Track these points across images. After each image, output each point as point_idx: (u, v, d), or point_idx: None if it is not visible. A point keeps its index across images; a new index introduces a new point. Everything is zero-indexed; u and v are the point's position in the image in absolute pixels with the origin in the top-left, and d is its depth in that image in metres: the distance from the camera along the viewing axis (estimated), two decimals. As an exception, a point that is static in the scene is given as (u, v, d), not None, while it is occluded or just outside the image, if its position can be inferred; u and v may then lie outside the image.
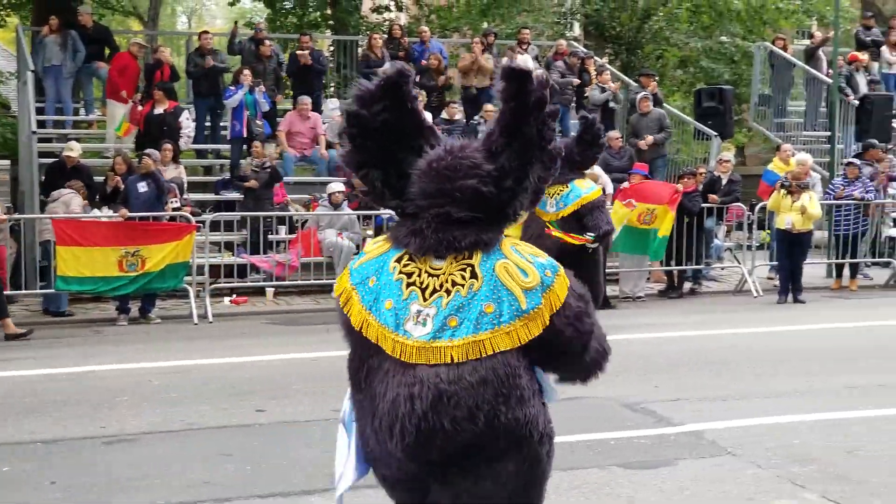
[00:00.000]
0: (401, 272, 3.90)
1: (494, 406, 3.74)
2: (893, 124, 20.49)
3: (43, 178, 15.50)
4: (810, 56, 22.57)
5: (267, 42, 19.13)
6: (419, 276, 3.88)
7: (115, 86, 17.97)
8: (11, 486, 6.38)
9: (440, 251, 3.89)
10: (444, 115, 18.68)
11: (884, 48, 22.75)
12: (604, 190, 14.61)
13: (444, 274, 3.88)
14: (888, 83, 22.07)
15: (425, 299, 3.85)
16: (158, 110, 16.59)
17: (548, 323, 3.84)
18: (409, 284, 3.88)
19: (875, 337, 12.34)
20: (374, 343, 3.88)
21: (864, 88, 21.09)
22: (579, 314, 3.90)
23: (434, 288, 3.85)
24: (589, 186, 12.70)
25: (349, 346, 4.12)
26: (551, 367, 4.10)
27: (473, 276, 3.87)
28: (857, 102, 20.29)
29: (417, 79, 19.48)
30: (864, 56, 22.12)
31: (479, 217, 3.93)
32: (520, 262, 3.94)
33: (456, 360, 3.75)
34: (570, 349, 3.95)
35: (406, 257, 3.93)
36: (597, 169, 14.73)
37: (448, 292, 3.84)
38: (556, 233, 11.99)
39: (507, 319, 3.83)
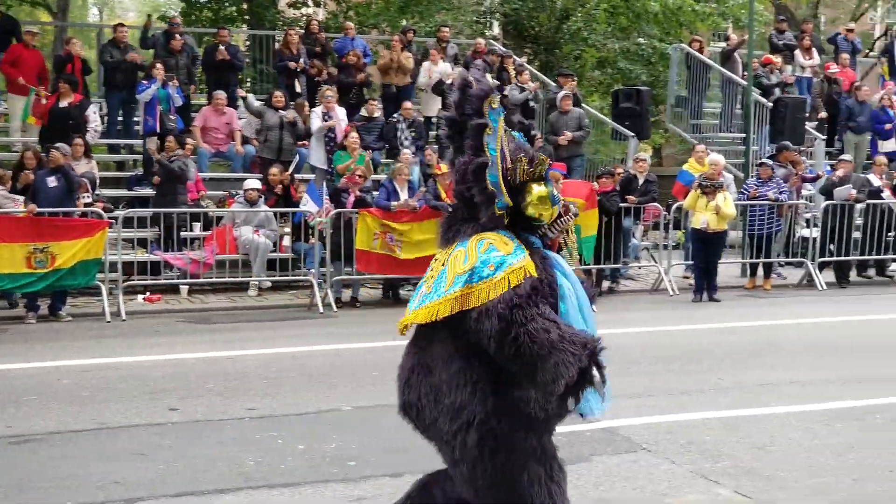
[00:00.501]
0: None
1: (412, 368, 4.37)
2: (807, 126, 20.81)
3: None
4: (726, 58, 22.88)
5: (178, 36, 18.90)
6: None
7: (12, 77, 17.76)
8: (-85, 488, 6.16)
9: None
10: (363, 112, 18.63)
11: (797, 52, 23.10)
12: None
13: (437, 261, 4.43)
14: (801, 86, 22.40)
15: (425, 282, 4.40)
16: (63, 103, 16.27)
17: (456, 309, 4.08)
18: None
19: (786, 335, 12.52)
20: None
21: (778, 91, 21.44)
22: (491, 312, 3.95)
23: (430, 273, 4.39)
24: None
25: None
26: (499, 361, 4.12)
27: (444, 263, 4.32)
28: (771, 105, 20.56)
29: (335, 74, 19.44)
30: (777, 59, 22.45)
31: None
32: (469, 251, 4.18)
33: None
34: (484, 343, 4.02)
35: None
36: None
37: (431, 278, 4.35)
38: None
39: (431, 298, 4.23)
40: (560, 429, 7.59)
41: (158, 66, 17.63)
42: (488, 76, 4.34)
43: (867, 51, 30.81)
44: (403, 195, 15.41)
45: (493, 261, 4.08)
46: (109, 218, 14.22)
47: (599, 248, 16.12)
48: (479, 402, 4.06)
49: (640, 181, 17.32)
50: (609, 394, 4.08)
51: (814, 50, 23.51)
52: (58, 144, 14.34)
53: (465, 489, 4.36)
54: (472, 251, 4.17)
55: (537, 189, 4.23)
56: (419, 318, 4.31)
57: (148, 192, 16.25)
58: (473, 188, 4.23)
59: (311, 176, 17.13)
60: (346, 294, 15.46)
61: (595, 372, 3.84)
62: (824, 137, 21.47)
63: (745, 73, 20.74)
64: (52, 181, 13.76)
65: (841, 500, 6.13)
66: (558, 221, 4.34)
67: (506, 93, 20.00)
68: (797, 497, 6.19)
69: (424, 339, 4.39)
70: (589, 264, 16.38)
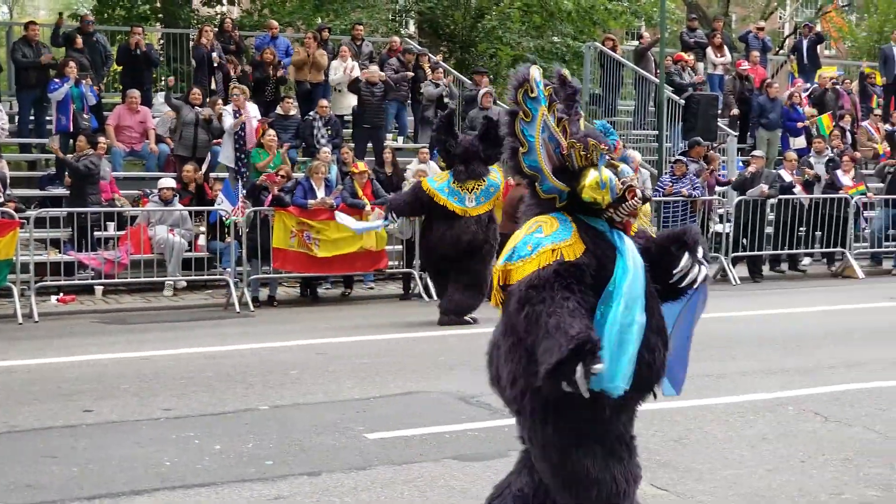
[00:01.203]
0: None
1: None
2: (719, 123, 21.09)
3: None
4: (640, 57, 23.14)
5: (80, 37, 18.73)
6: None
7: None
8: None
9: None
10: (278, 110, 18.54)
11: (708, 49, 23.40)
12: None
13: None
14: (713, 83, 22.67)
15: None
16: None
17: (501, 281, 4.46)
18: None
19: (700, 329, 12.56)
20: None
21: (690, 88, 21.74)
22: (514, 289, 4.27)
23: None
24: (497, 177, 12.91)
25: None
26: None
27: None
28: (683, 102, 20.80)
29: (250, 71, 19.35)
30: (689, 57, 22.72)
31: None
32: (521, 231, 4.46)
33: None
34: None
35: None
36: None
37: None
38: None
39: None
40: (479, 425, 7.68)
41: (72, 64, 17.42)
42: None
43: (777, 49, 31.25)
44: (320, 193, 15.37)
45: (532, 241, 4.26)
46: (21, 218, 14.00)
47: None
48: (531, 374, 4.16)
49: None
50: (627, 376, 4.12)
51: (725, 48, 23.82)
52: None
53: (535, 457, 4.58)
54: (523, 231, 4.39)
55: (592, 174, 4.28)
56: (494, 300, 4.59)
57: (61, 191, 16.01)
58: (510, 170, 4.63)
59: (226, 174, 17.01)
60: (264, 293, 15.32)
61: (578, 367, 3.83)
62: (736, 134, 21.77)
63: (658, 71, 20.99)
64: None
65: (755, 491, 6.18)
66: (624, 205, 4.37)
67: (421, 90, 20.11)
68: (712, 489, 6.23)
69: (501, 317, 4.60)
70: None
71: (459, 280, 12.74)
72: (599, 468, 4.33)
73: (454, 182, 12.63)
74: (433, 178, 13.26)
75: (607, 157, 4.37)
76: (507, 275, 4.36)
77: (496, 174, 12.94)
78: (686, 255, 4.39)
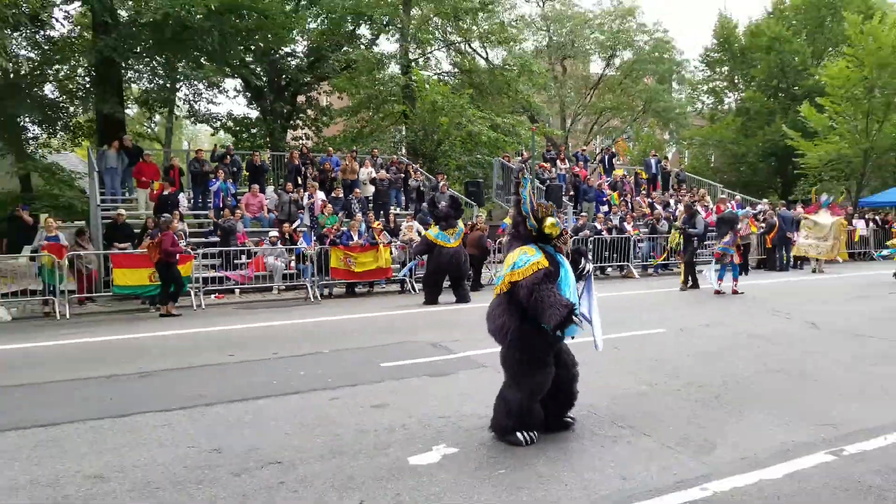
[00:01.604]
0: None
1: (490, 315, 5.01)
2: (564, 199, 21.26)
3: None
4: (522, 164, 23.25)
5: (230, 155, 18.75)
6: None
7: (138, 178, 17.36)
8: None
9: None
10: (332, 194, 18.51)
11: (557, 161, 23.55)
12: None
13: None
14: (561, 178, 22.80)
15: None
16: (166, 192, 16.18)
17: (509, 283, 4.82)
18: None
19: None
20: None
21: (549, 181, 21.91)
22: (520, 287, 4.70)
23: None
24: (460, 226, 13.48)
25: None
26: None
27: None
28: (545, 188, 20.96)
29: (317, 174, 19.28)
30: (547, 164, 22.92)
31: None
32: (514, 254, 4.90)
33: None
34: (522, 300, 4.71)
35: None
36: None
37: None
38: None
39: (500, 279, 4.96)
40: (442, 357, 7.69)
41: (221, 171, 17.46)
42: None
43: (592, 160, 31.54)
44: (356, 238, 15.39)
45: (524, 259, 4.77)
46: (194, 253, 13.92)
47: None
48: (512, 322, 4.79)
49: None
50: (576, 328, 4.74)
51: (566, 160, 23.99)
52: (164, 215, 14.11)
53: (504, 367, 5.00)
54: (515, 254, 4.87)
55: (549, 220, 4.89)
56: (499, 288, 4.96)
57: (216, 239, 15.88)
58: (517, 217, 5.04)
59: (305, 229, 17.00)
60: (326, 292, 15.22)
61: (573, 318, 4.50)
62: (572, 204, 21.92)
63: (532, 172, 21.15)
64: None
65: (589, 388, 6.19)
66: (561, 238, 4.99)
67: (409, 183, 20.13)
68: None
69: (497, 298, 4.98)
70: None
71: (457, 283, 13.34)
72: (541, 373, 4.76)
73: (442, 231, 13.08)
74: (431, 230, 13.40)
75: (554, 213, 5.02)
76: (512, 277, 4.80)
77: (460, 225, 13.43)
78: (583, 259, 5.13)
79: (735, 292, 13.48)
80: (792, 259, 20.18)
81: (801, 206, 22.44)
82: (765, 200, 24.89)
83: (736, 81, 37.22)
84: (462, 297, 13.23)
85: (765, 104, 33.82)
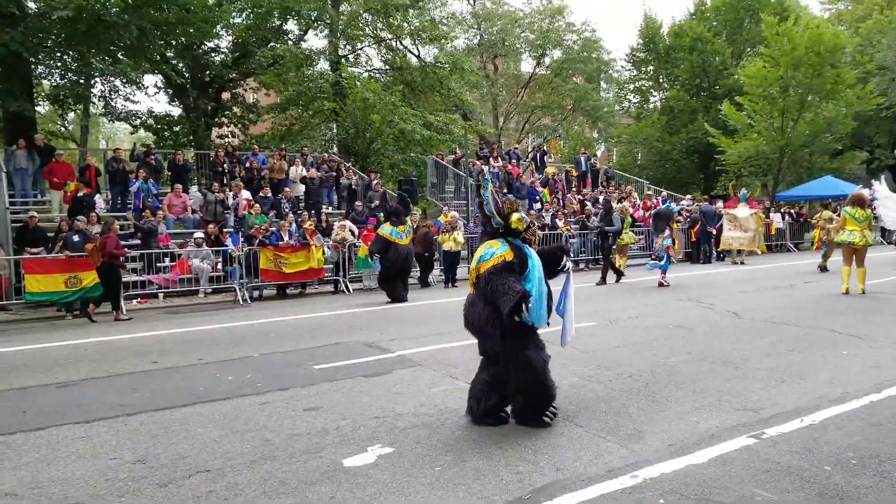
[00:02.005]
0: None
1: (468, 307, 5.10)
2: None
3: None
4: (455, 163, 23.35)
5: (152, 154, 18.20)
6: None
7: (51, 179, 16.67)
8: None
9: None
10: (260, 193, 18.20)
11: (490, 158, 23.79)
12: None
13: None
14: (494, 176, 23.04)
15: None
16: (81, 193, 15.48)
17: (475, 274, 5.04)
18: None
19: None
20: None
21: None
22: (483, 275, 4.92)
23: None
24: (409, 224, 13.73)
25: None
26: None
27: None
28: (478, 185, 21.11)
29: (244, 174, 18.90)
30: (481, 162, 23.08)
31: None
32: (482, 248, 5.10)
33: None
34: (483, 289, 4.93)
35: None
36: None
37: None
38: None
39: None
40: (377, 357, 7.66)
41: (142, 171, 16.98)
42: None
43: (525, 158, 31.94)
44: (286, 238, 15.17)
45: (489, 252, 4.97)
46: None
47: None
48: (497, 316, 4.82)
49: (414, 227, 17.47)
50: (544, 318, 5.01)
51: (499, 158, 24.23)
52: (79, 217, 13.69)
53: (500, 358, 5.05)
54: (483, 248, 5.07)
55: (515, 215, 5.06)
56: (470, 280, 5.16)
57: (136, 241, 15.32)
58: (483, 217, 5.21)
59: (232, 229, 16.67)
60: (255, 294, 14.99)
61: (524, 307, 4.62)
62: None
63: (465, 170, 21.29)
64: (76, 238, 13.10)
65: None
66: (528, 231, 5.19)
67: (342, 181, 19.98)
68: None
69: (473, 293, 5.13)
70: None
71: (401, 280, 13.39)
72: (534, 355, 5.01)
73: (395, 228, 13.14)
74: (384, 228, 13.31)
75: (519, 209, 5.20)
76: (477, 270, 5.00)
77: (409, 222, 13.67)
78: (564, 256, 5.34)
79: (661, 284, 13.94)
80: (715, 252, 20.91)
81: (720, 201, 23.25)
82: (688, 196, 25.68)
83: (661, 81, 38.28)
84: (399, 297, 13.17)
85: (688, 103, 34.91)
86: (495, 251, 4.95)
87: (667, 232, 14.49)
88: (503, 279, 4.77)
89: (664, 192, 24.02)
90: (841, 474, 4.06)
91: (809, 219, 25.94)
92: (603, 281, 14.95)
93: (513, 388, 5.03)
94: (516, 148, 28.09)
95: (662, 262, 14.28)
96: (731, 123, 28.94)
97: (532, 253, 5.13)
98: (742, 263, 19.41)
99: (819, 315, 9.67)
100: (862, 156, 34.07)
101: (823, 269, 16.17)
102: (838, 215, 14.01)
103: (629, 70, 39.40)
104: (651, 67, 38.20)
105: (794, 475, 4.06)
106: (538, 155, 27.14)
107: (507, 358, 4.97)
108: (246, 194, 17.51)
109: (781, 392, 5.81)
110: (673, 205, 18.39)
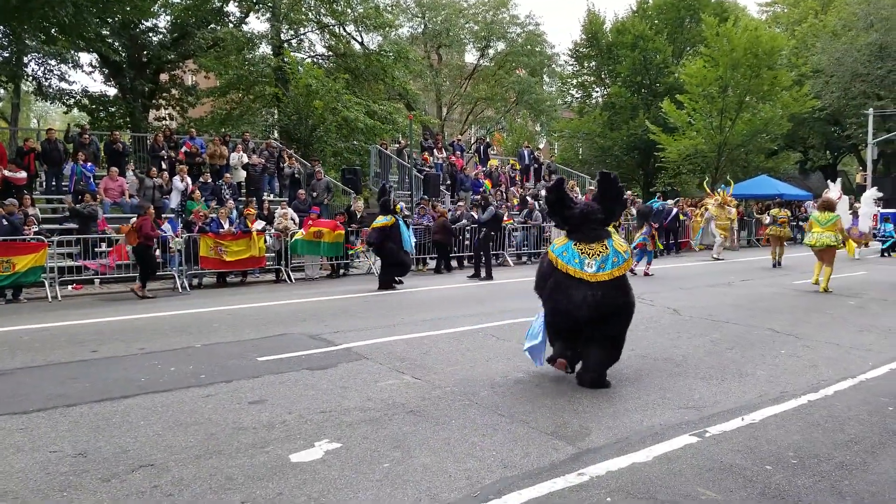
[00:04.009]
0: (577, 248, 5.96)
1: (617, 297, 5.86)
2: (441, 188, 21.48)
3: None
4: (399, 153, 23.24)
5: (86, 135, 17.60)
6: (584, 250, 5.94)
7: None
8: None
9: (591, 240, 5.98)
10: (200, 179, 17.81)
11: (434, 150, 23.77)
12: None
13: (593, 249, 5.92)
14: (438, 167, 23.06)
15: (589, 257, 5.88)
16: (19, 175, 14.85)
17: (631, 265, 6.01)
18: (581, 252, 5.92)
19: (438, 293, 12.85)
20: (563, 272, 5.92)
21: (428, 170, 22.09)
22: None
23: (592, 254, 5.89)
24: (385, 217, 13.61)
25: (540, 279, 6.33)
26: None
27: (605, 248, 5.92)
28: (422, 177, 21.11)
29: (184, 157, 18.47)
30: (425, 154, 23.07)
31: (601, 227, 6.11)
32: (619, 239, 6.06)
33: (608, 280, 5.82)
34: None
35: (577, 243, 6.00)
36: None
37: (599, 255, 5.88)
38: None
39: (619, 263, 5.89)
40: (321, 350, 7.59)
41: (79, 154, 16.50)
42: None
43: (469, 149, 32.06)
44: (226, 225, 14.88)
45: (561, 245, 6.10)
46: (48, 241, 13.01)
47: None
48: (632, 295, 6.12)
49: (358, 216, 17.39)
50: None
51: (443, 149, 24.25)
52: (8, 200, 13.26)
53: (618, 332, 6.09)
54: (560, 241, 6.17)
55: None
56: (619, 272, 5.91)
57: (73, 225, 14.88)
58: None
59: (172, 215, 16.27)
60: (195, 282, 14.69)
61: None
62: (449, 193, 22.22)
63: (409, 160, 21.23)
64: (5, 221, 12.68)
65: (466, 377, 6.32)
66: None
67: (283, 169, 19.70)
68: (443, 378, 6.33)
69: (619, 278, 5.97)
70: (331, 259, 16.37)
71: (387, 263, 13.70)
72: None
73: (386, 216, 13.46)
74: (379, 219, 13.66)
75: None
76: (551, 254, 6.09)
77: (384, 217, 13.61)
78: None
79: (647, 274, 15.19)
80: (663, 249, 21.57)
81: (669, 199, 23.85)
82: (630, 192, 26.22)
83: (603, 76, 38.89)
84: (386, 284, 13.62)
85: (629, 99, 35.57)
86: (564, 245, 6.09)
87: (644, 228, 15.40)
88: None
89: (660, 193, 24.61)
90: (782, 473, 4.19)
91: (747, 216, 26.80)
92: (489, 276, 15.23)
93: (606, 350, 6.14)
94: (459, 139, 28.17)
95: (637, 256, 15.01)
96: (671, 121, 29.63)
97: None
98: (720, 258, 20.09)
99: (757, 314, 9.97)
100: (796, 156, 35.36)
101: (778, 264, 17.18)
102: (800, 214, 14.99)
103: (572, 65, 39.89)
104: (593, 63, 38.76)
105: (737, 474, 4.17)
106: (482, 147, 27.28)
107: (622, 329, 6.22)
108: (187, 179, 17.16)
109: (722, 390, 5.98)
110: (658, 202, 18.95)
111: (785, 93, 28.94)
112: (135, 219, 13.27)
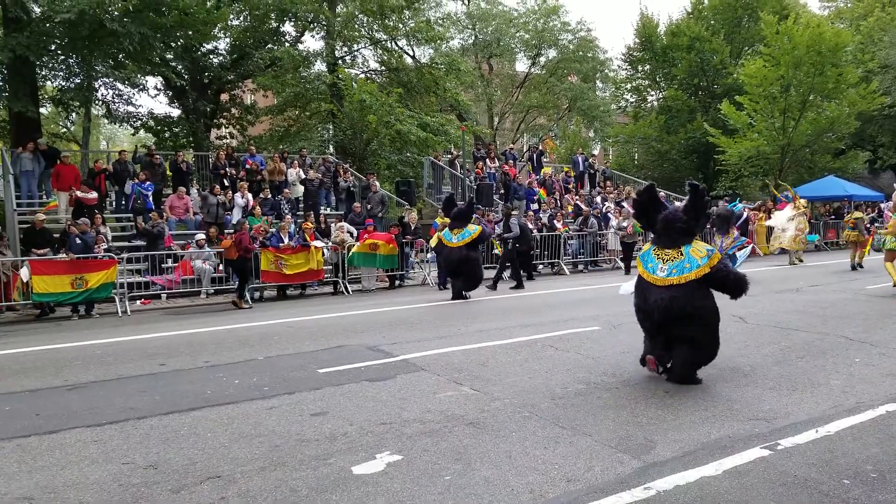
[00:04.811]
0: (655, 253, 6.24)
1: (689, 301, 5.93)
2: (495, 197, 21.45)
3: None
4: (451, 164, 23.32)
5: (155, 156, 18.17)
6: (660, 255, 6.18)
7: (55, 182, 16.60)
8: None
9: (668, 246, 6.19)
10: (260, 195, 18.18)
11: (487, 160, 23.76)
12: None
13: (668, 255, 6.13)
14: (492, 177, 23.02)
15: (663, 262, 6.11)
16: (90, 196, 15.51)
17: (708, 271, 5.97)
18: (657, 257, 6.18)
19: (487, 305, 12.81)
20: (641, 275, 6.26)
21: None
22: (721, 268, 6.03)
23: (666, 259, 6.11)
24: (466, 232, 13.27)
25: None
26: (718, 290, 6.12)
27: (680, 254, 6.07)
28: (476, 186, 21.11)
29: (244, 174, 18.87)
30: (478, 163, 23.07)
31: (682, 235, 6.19)
32: (699, 246, 6.12)
33: (676, 284, 5.98)
34: (720, 282, 6.06)
35: (656, 248, 6.27)
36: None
37: (672, 260, 6.07)
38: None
39: (692, 268, 5.97)
40: (380, 361, 7.63)
41: (144, 173, 17.07)
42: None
43: (521, 158, 31.92)
44: (286, 240, 15.15)
45: (710, 250, 6.11)
46: (118, 258, 13.47)
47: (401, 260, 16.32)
48: (711, 300, 6.28)
49: (412, 227, 17.50)
50: None
51: (495, 158, 24.21)
52: (81, 219, 13.88)
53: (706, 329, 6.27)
54: (700, 246, 6.18)
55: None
56: (691, 277, 6.00)
57: (140, 242, 15.38)
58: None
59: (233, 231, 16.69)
60: (257, 295, 14.96)
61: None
62: (503, 202, 22.11)
63: (462, 171, 21.27)
64: (78, 240, 13.17)
65: (525, 388, 6.26)
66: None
67: (339, 184, 19.96)
68: (502, 389, 6.28)
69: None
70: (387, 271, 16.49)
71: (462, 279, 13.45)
72: None
73: (448, 231, 13.36)
74: (439, 232, 13.84)
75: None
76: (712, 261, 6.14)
77: (468, 228, 13.31)
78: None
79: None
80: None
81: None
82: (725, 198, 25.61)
83: (658, 80, 38.25)
84: (457, 294, 13.54)
85: (686, 102, 34.89)
86: (712, 250, 6.18)
87: (735, 232, 14.78)
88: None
89: (662, 193, 24.00)
90: (860, 488, 4.01)
91: (813, 220, 25.93)
92: (497, 286, 15.04)
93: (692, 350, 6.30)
94: (512, 148, 28.10)
95: (737, 262, 14.43)
96: (730, 123, 28.93)
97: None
98: (800, 261, 19.60)
99: (828, 320, 9.58)
100: (865, 155, 34.06)
101: (859, 266, 16.59)
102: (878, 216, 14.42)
103: (626, 69, 39.37)
104: (648, 66, 38.16)
105: (812, 489, 4.01)
106: (534, 155, 27.12)
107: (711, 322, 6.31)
108: (248, 195, 17.60)
109: (794, 401, 5.76)
110: (739, 205, 18.53)
111: (851, 90, 27.94)
112: (233, 233, 14.07)
